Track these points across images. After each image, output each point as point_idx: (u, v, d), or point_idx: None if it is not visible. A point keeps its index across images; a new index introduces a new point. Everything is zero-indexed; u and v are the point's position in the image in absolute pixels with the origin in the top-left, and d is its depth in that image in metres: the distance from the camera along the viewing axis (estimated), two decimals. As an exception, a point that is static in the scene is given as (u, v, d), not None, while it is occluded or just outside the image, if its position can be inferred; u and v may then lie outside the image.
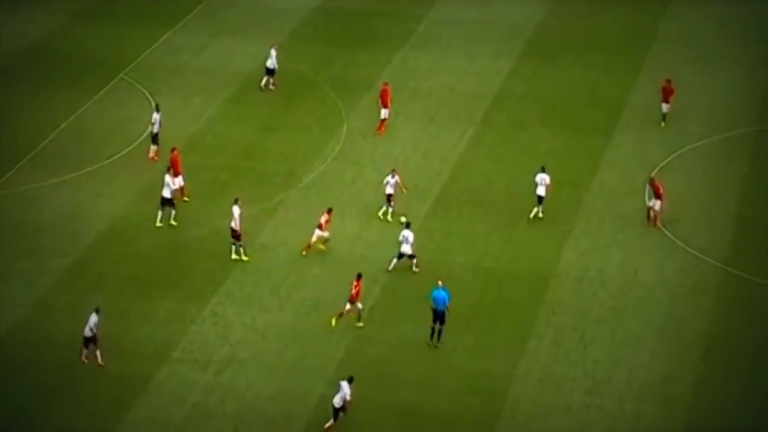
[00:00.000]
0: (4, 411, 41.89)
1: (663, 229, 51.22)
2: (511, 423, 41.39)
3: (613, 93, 61.90)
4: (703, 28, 68.63)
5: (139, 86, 62.08)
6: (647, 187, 53.04)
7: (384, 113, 57.80)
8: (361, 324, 45.68)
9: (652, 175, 53.50)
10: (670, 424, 41.68)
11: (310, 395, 42.67)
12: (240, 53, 65.57)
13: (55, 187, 54.09)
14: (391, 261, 48.47)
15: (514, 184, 54.38)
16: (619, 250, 50.20)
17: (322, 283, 48.15)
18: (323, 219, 49.28)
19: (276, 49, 61.57)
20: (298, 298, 47.44)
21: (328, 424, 40.92)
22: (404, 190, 52.03)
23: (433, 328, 44.67)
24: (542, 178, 51.46)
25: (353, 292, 45.13)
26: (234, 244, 49.10)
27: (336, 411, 40.71)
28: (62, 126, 58.63)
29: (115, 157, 56.19)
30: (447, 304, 44.38)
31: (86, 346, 43.58)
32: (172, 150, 53.21)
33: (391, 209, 51.47)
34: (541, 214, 51.63)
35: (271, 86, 61.68)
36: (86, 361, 43.65)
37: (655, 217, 51.23)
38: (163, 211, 51.14)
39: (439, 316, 44.46)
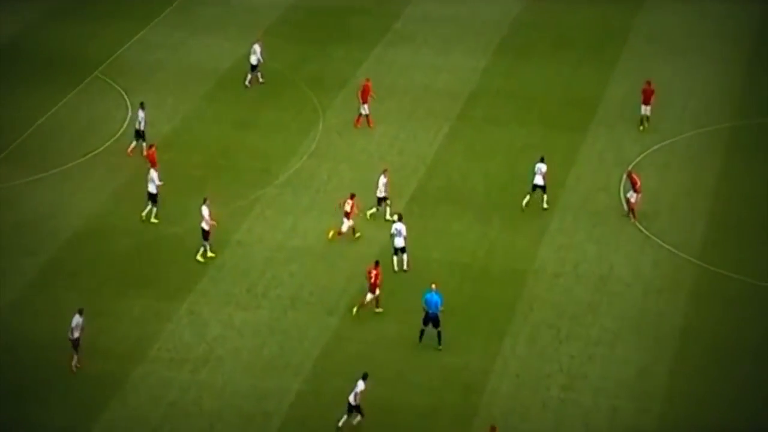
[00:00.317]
0: (-21, 410, 41.83)
1: (638, 225, 51.41)
2: (488, 418, 41.44)
3: (588, 89, 62.02)
4: (678, 25, 68.79)
5: (114, 84, 61.91)
6: (624, 179, 53.22)
7: (364, 109, 57.83)
8: (380, 309, 45.79)
9: (629, 168, 53.66)
10: (646, 419, 41.85)
11: (287, 392, 42.67)
12: (216, 50, 65.45)
13: (29, 185, 53.88)
14: (392, 261, 48.29)
15: (490, 180, 54.48)
16: (594, 246, 50.36)
17: (299, 280, 48.15)
18: (347, 207, 49.14)
19: (260, 45, 61.56)
20: (275, 295, 47.44)
21: (341, 422, 40.92)
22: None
23: (422, 331, 44.55)
24: (539, 168, 51.58)
25: (372, 281, 45.12)
26: (203, 245, 48.94)
27: (350, 408, 40.71)
28: (36, 124, 58.42)
29: (90, 155, 56.06)
30: (440, 307, 44.25)
31: (76, 350, 42.87)
32: (150, 147, 53.13)
33: (379, 209, 51.31)
34: (545, 205, 51.81)
35: (259, 80, 61.50)
36: (79, 366, 43.08)
37: (633, 209, 51.39)
38: (153, 206, 50.96)
39: (431, 319, 44.39)
